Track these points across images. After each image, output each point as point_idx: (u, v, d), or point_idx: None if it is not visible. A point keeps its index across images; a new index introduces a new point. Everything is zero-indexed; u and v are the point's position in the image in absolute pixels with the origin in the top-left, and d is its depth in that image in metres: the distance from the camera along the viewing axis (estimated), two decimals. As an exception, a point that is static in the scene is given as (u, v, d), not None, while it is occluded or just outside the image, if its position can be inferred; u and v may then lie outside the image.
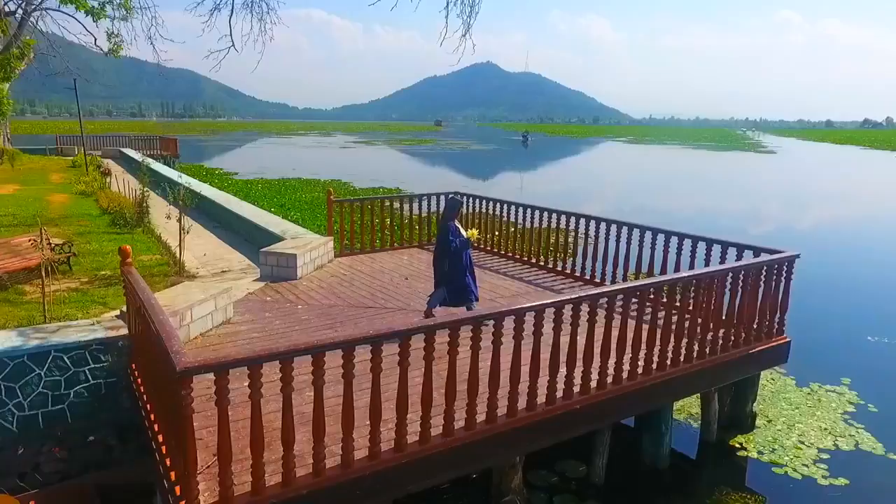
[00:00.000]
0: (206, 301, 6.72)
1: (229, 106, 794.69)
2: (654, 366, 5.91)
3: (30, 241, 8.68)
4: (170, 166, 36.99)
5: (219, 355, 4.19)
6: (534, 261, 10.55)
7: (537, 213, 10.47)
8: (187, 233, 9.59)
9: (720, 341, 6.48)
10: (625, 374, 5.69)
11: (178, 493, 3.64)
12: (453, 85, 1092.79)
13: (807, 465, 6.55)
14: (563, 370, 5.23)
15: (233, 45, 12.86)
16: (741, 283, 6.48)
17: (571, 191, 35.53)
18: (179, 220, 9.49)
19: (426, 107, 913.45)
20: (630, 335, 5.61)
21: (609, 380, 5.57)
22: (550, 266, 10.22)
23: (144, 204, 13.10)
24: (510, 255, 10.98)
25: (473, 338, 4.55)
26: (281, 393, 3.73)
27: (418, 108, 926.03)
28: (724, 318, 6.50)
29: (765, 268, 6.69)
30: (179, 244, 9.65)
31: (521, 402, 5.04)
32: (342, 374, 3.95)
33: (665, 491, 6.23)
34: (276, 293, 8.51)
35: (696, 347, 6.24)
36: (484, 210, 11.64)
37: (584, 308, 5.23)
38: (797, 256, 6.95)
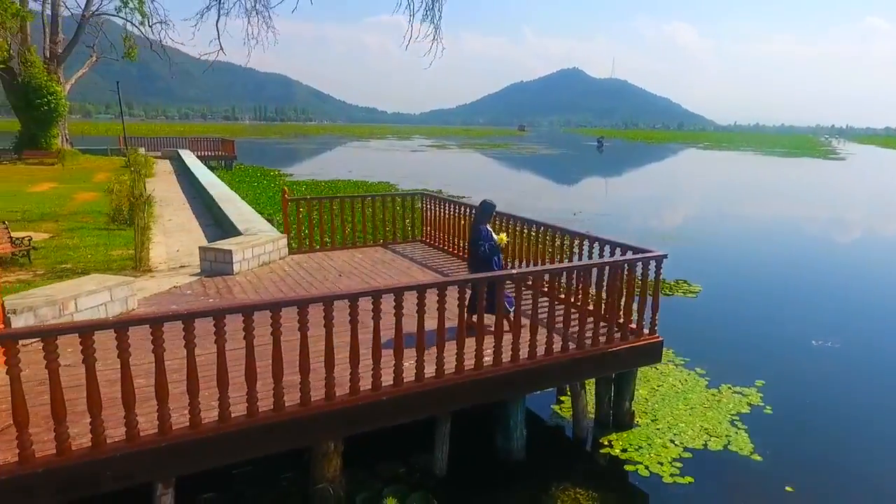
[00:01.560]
0: (97, 292, 7.17)
1: (320, 110, 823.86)
2: (490, 360, 5.84)
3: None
4: (228, 167, 39.43)
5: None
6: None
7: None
8: (143, 227, 10.32)
9: (574, 337, 6.34)
10: (451, 368, 5.63)
11: None
12: (539, 90, 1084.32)
13: (661, 464, 6.35)
14: (369, 361, 5.23)
15: (221, 48, 13.68)
16: (593, 279, 6.50)
17: (591, 199, 36.73)
18: (136, 220, 10.22)
19: (512, 112, 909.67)
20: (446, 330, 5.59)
21: (432, 372, 5.54)
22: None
23: (136, 201, 14.10)
24: (455, 251, 11.08)
25: (246, 328, 4.70)
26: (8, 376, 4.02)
27: (504, 113, 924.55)
28: (576, 313, 6.42)
29: (625, 266, 6.57)
30: (135, 241, 10.39)
31: (318, 393, 5.07)
32: (82, 359, 4.23)
33: (506, 485, 6.09)
34: (201, 287, 8.92)
35: (541, 344, 6.10)
36: (448, 213, 11.66)
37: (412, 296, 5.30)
38: (665, 256, 6.76)
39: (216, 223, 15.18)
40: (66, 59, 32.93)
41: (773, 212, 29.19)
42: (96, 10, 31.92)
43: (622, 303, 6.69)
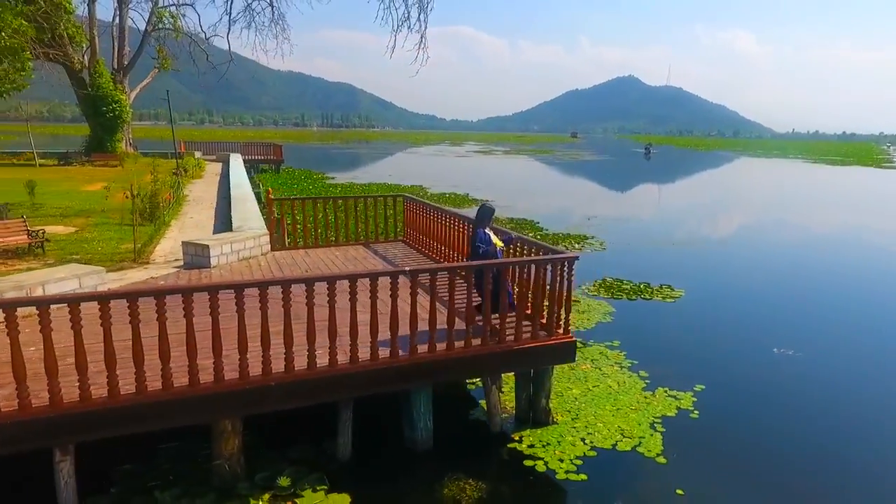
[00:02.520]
0: (66, 279, 7.66)
1: (382, 117, 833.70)
2: (388, 352, 5.92)
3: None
4: (276, 170, 40.73)
5: None
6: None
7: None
8: (134, 225, 10.94)
9: (469, 333, 6.35)
10: (344, 358, 5.77)
11: None
12: (594, 98, 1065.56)
13: (561, 461, 6.27)
14: (258, 347, 5.42)
15: (231, 59, 14.29)
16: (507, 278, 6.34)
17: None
18: (132, 214, 10.85)
19: (567, 119, 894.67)
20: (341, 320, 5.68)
21: (325, 361, 5.68)
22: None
23: (155, 200, 14.91)
24: (429, 253, 11.13)
25: (131, 312, 4.97)
26: None
27: (559, 120, 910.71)
28: (481, 311, 6.41)
29: (532, 265, 6.53)
30: (133, 236, 11.02)
31: (205, 376, 5.30)
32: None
33: (404, 472, 6.15)
34: (175, 279, 9.38)
35: (441, 340, 6.14)
36: (426, 215, 11.73)
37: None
38: (576, 258, 6.69)
39: (230, 221, 15.77)
40: (132, 70, 34.90)
41: (787, 219, 27.95)
42: (157, 25, 33.69)
43: (530, 302, 6.62)
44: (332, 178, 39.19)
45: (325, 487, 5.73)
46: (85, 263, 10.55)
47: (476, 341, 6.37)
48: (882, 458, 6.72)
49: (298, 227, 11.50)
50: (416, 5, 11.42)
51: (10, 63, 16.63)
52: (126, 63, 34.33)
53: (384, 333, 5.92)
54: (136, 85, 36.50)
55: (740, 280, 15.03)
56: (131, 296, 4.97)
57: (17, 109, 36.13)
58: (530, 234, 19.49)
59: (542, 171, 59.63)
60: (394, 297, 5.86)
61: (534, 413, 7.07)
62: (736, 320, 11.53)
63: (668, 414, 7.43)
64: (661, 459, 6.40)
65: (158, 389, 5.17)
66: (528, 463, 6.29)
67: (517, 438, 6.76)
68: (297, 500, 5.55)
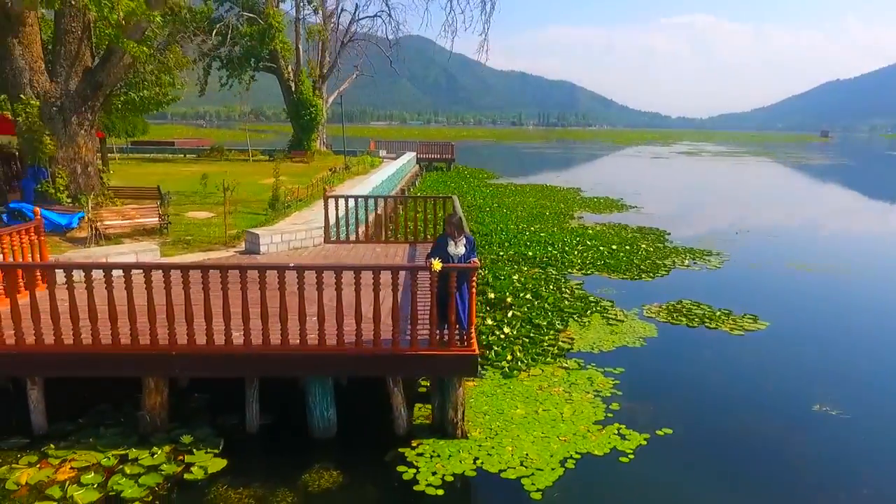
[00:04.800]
0: (125, 254, 9.76)
1: (601, 115, 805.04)
2: (279, 340, 6.56)
3: (133, 209, 13.30)
4: (448, 168, 43.11)
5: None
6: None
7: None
8: (225, 214, 13.05)
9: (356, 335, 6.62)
10: (240, 341, 6.55)
11: None
12: (860, 90, 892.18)
13: (434, 474, 6.27)
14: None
15: (337, 67, 15.87)
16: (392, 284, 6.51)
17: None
18: (224, 206, 12.99)
19: (822, 115, 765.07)
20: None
21: (222, 341, 6.56)
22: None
23: (276, 193, 17.30)
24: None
25: (68, 285, 6.39)
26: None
27: (812, 116, 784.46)
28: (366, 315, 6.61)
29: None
30: (224, 225, 13.20)
31: (125, 340, 6.55)
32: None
33: (287, 453, 6.68)
34: (226, 260, 11.12)
35: (331, 336, 6.57)
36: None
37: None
38: (477, 268, 6.57)
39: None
40: (329, 77, 40.07)
41: None
42: (352, 37, 38.16)
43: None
44: (497, 179, 40.02)
45: (216, 451, 6.62)
46: (188, 244, 12.94)
47: (369, 343, 6.64)
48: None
49: (351, 222, 12.58)
50: (479, 7, 11.60)
51: (166, 79, 20.91)
52: (325, 72, 39.51)
53: (274, 322, 6.56)
54: (333, 90, 41.82)
55: (857, 320, 12.27)
56: (64, 267, 6.39)
57: (248, 115, 43.62)
58: (643, 245, 18.12)
59: (736, 175, 52.85)
60: (305, 288, 6.48)
61: (443, 424, 7.06)
62: (801, 365, 9.61)
63: (596, 453, 6.77)
64: (537, 496, 6.00)
65: (89, 344, 6.54)
66: (400, 468, 6.40)
67: (414, 445, 6.84)
68: (187, 456, 6.53)
